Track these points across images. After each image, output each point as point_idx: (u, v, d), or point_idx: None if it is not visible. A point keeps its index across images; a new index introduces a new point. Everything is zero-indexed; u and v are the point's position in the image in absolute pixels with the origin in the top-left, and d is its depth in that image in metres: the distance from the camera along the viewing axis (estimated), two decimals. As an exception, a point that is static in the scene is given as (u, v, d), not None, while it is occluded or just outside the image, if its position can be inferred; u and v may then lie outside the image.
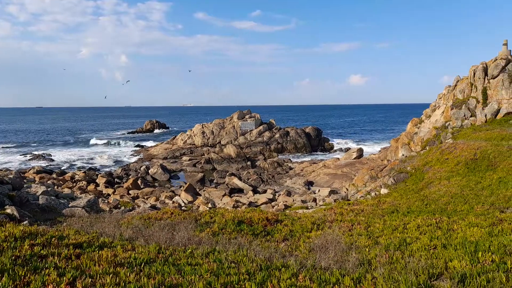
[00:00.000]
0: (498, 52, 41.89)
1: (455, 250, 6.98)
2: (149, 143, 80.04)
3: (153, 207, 25.80)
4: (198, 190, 36.03)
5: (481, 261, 6.21)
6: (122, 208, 23.17)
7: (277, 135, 68.56)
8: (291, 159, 57.04)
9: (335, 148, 70.93)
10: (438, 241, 7.69)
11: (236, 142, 67.50)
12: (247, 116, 74.41)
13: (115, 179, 41.95)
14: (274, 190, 36.55)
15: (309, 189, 37.52)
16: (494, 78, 39.99)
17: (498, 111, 38.16)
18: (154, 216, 13.43)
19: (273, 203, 29.82)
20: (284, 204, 28.09)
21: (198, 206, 27.20)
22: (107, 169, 51.18)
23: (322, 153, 65.88)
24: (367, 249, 7.83)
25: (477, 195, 16.01)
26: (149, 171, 45.03)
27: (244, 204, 29.17)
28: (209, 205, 27.64)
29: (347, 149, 63.86)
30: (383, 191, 27.54)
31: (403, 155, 40.50)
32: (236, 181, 38.54)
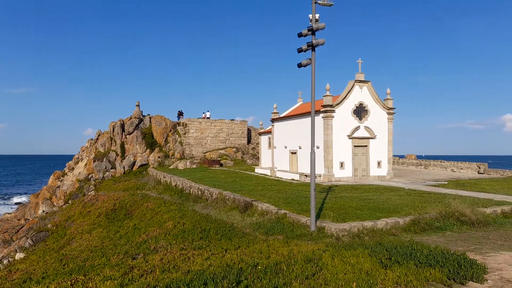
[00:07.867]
0: (132, 111, 47.98)
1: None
2: None
3: None
4: None
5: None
6: None
7: None
8: None
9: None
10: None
11: None
12: None
13: None
14: None
15: None
16: (130, 134, 45.16)
17: (134, 163, 43.03)
18: None
19: None
20: None
21: None
22: None
23: None
24: None
25: (115, 245, 16.76)
26: None
27: None
28: None
29: (-27, 210, 52.01)
30: (19, 256, 24.09)
31: (43, 211, 37.43)
32: None
